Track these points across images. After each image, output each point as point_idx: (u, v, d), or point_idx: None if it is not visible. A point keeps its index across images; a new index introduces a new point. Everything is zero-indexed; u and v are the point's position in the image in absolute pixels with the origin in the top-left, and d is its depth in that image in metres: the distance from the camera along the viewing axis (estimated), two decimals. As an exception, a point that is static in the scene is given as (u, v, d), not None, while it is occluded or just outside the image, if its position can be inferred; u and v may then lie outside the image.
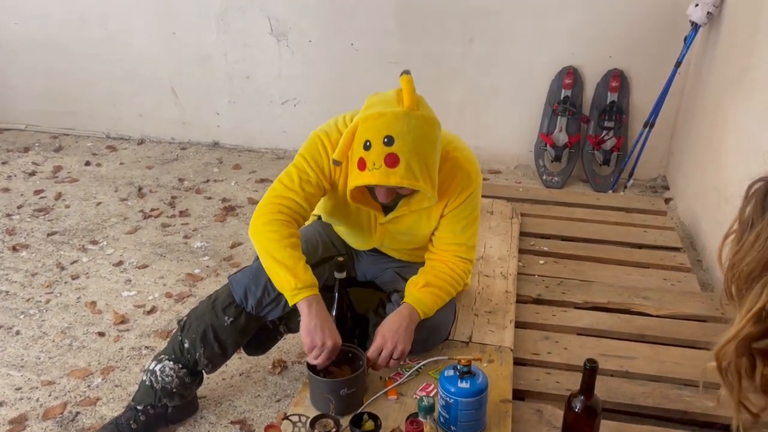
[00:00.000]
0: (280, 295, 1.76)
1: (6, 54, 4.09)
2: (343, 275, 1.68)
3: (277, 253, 1.59)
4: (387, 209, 1.75)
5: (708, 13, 2.86)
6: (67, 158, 3.83)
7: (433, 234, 1.81)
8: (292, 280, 1.57)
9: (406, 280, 1.78)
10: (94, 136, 4.16)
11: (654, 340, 1.97)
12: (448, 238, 1.78)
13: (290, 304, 1.59)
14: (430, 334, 1.75)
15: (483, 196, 2.84)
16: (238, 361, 2.08)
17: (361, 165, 1.54)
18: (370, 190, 1.66)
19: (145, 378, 1.78)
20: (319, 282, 1.72)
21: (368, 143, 1.52)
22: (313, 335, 1.55)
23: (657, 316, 2.08)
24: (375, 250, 1.94)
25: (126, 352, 2.17)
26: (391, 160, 1.49)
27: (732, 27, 2.71)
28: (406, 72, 1.56)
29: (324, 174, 1.69)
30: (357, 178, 1.57)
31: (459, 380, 1.46)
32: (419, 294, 1.69)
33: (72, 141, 4.10)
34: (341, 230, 1.93)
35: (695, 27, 2.98)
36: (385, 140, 1.50)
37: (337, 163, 1.62)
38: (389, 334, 1.62)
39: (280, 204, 1.66)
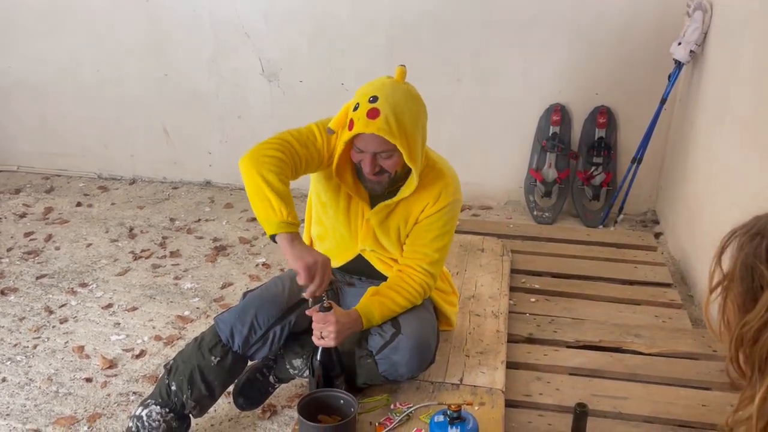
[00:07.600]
0: (267, 332, 1.77)
1: (-1, 96, 4.12)
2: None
3: (276, 183, 1.60)
4: (373, 202, 1.81)
5: (690, 51, 2.91)
6: (59, 199, 3.82)
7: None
8: (284, 211, 1.58)
9: None
10: (86, 177, 4.17)
11: (646, 380, 1.96)
12: (415, 242, 1.82)
13: (271, 231, 1.59)
14: (413, 355, 1.73)
15: (473, 233, 2.89)
16: (227, 407, 2.05)
17: (350, 125, 1.63)
18: (360, 174, 1.74)
19: (131, 424, 1.76)
20: (304, 323, 1.77)
21: (357, 105, 1.64)
22: (304, 259, 1.56)
23: (649, 354, 2.08)
24: (360, 280, 1.96)
25: (113, 398, 2.14)
26: (372, 113, 1.59)
27: (714, 65, 2.76)
28: (402, 65, 1.72)
29: (327, 142, 1.76)
30: (344, 136, 1.65)
31: (449, 426, 1.45)
32: (368, 302, 1.76)
33: (64, 182, 4.10)
34: (327, 243, 1.94)
35: (678, 65, 3.03)
36: (371, 99, 1.62)
37: (331, 131, 1.71)
38: (339, 324, 1.64)
39: (287, 146, 1.69)
